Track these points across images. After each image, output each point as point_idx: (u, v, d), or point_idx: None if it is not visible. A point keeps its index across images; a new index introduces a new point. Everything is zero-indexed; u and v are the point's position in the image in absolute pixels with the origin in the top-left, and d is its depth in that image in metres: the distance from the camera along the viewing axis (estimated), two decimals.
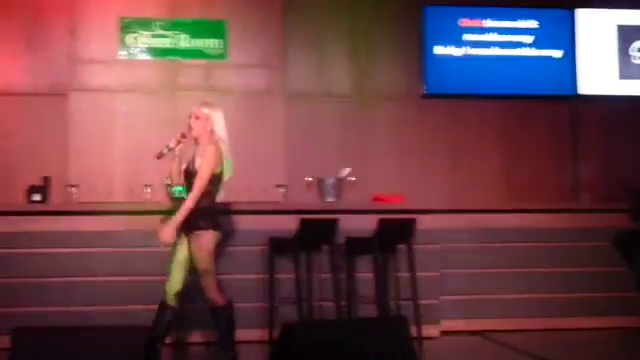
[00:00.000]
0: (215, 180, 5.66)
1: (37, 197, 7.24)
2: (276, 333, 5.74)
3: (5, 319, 6.29)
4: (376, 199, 7.50)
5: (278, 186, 7.70)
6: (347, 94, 9.50)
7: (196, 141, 5.79)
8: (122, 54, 8.92)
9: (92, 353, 4.46)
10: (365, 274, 6.77)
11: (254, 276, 6.80)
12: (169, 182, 6.84)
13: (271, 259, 6.67)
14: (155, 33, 9.01)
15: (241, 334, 5.95)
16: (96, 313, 6.59)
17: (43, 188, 7.38)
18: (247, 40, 9.21)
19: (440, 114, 9.58)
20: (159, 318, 5.71)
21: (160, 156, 5.76)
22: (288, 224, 6.59)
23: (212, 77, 9.07)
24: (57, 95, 8.65)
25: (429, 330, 6.83)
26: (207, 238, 5.61)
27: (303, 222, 6.47)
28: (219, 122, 5.79)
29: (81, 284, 6.73)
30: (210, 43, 9.08)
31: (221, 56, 9.12)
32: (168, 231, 5.57)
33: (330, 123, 9.41)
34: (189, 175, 5.70)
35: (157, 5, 9.07)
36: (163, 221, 5.76)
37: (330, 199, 7.20)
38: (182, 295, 5.75)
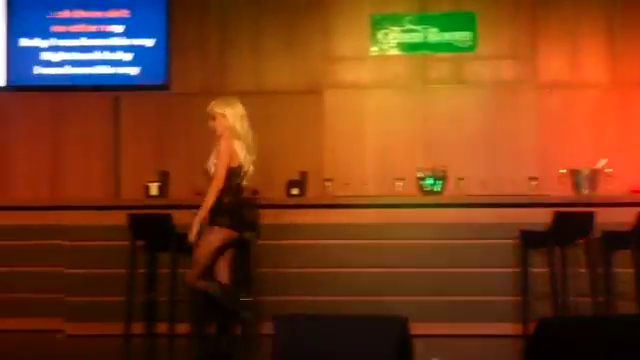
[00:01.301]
0: (234, 174, 5.76)
1: (295, 191, 7.56)
2: (530, 328, 5.66)
3: (269, 306, 6.66)
4: (635, 191, 7.19)
5: (530, 178, 7.57)
6: (602, 82, 9.14)
7: (218, 140, 5.91)
8: (374, 50, 9.12)
9: (349, 342, 4.60)
10: (624, 269, 6.50)
11: (505, 270, 6.74)
12: (422, 175, 6.96)
13: (524, 253, 6.58)
14: (405, 28, 9.13)
15: (494, 328, 5.92)
16: (349, 303, 6.80)
17: (301, 182, 7.69)
18: (497, 31, 9.11)
19: None
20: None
21: None
22: (540, 217, 6.47)
23: (462, 69, 9.06)
24: (313, 92, 8.98)
25: None
26: (215, 234, 5.77)
27: (558, 215, 6.32)
28: (236, 118, 5.88)
29: (335, 274, 6.98)
30: (460, 36, 9.07)
31: (471, 48, 9.08)
32: (191, 230, 5.76)
33: (584, 112, 9.10)
34: (207, 173, 5.85)
35: (408, 1, 9.18)
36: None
37: (585, 191, 6.98)
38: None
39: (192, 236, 5.82)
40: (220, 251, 5.96)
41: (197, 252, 5.87)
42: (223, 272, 6.02)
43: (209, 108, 5.98)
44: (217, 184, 5.78)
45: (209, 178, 5.86)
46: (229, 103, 5.99)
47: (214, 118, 5.94)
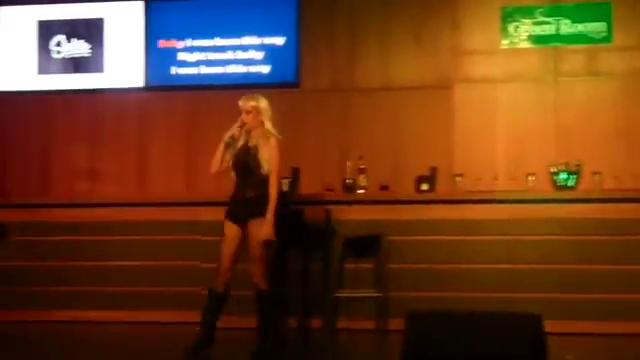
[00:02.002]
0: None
1: (425, 187, 7.56)
2: None
3: (398, 302, 6.71)
4: None
5: None
6: None
7: (248, 134, 5.92)
8: (504, 44, 9.00)
9: (481, 339, 4.58)
10: None
11: None
12: (555, 170, 6.85)
13: None
14: (536, 20, 8.97)
15: (629, 326, 5.79)
16: (479, 300, 6.77)
17: (431, 178, 7.68)
18: (632, 21, 8.82)
19: None
20: (208, 305, 5.91)
21: (227, 146, 5.93)
22: None
23: (595, 61, 8.82)
24: (443, 87, 8.94)
25: None
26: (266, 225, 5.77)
27: None
28: (267, 114, 5.94)
29: (465, 271, 6.96)
30: (593, 27, 8.84)
31: (606, 39, 8.83)
32: (268, 230, 5.78)
33: None
34: (247, 168, 5.86)
35: None
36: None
37: None
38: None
39: (273, 235, 5.89)
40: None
41: (259, 250, 5.92)
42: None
43: (242, 102, 6.02)
44: (279, 181, 6.00)
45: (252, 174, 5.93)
46: (260, 99, 6.08)
47: (249, 112, 5.99)
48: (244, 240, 5.93)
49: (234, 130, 5.99)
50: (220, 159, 6.01)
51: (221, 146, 6.00)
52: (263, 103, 6.04)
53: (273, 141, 5.96)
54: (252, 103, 6.00)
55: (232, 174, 6.03)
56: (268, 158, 5.92)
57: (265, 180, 5.93)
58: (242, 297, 6.11)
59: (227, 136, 5.99)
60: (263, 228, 5.84)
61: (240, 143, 6.00)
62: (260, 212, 5.86)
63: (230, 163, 6.00)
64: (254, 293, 5.98)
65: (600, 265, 6.69)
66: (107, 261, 7.76)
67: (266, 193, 5.90)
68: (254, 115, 5.99)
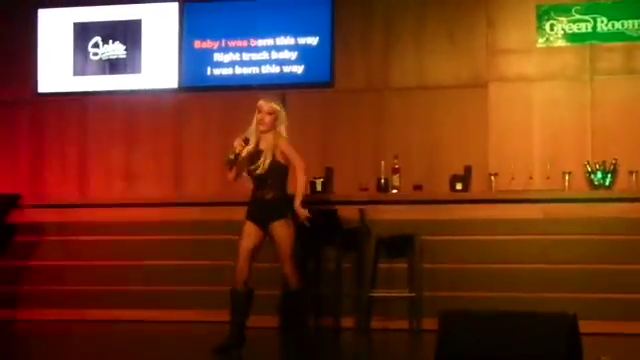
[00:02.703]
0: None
1: (459, 186, 7.54)
2: None
3: (431, 302, 6.69)
4: None
5: None
6: None
7: (260, 137, 5.97)
8: (540, 42, 8.93)
9: (516, 338, 4.57)
10: None
11: None
12: (591, 169, 6.77)
13: None
14: (572, 18, 8.89)
15: None
16: (514, 299, 6.73)
17: (465, 177, 7.66)
18: None
19: None
20: (233, 305, 5.94)
21: (231, 164, 5.97)
22: None
23: (632, 59, 8.70)
24: (478, 86, 8.88)
25: None
26: (289, 226, 5.85)
27: None
28: (284, 118, 6.01)
29: (500, 270, 6.94)
30: (630, 24, 8.74)
31: None
32: (302, 212, 5.88)
33: None
34: (255, 169, 5.92)
35: None
36: None
37: None
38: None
39: (307, 212, 5.96)
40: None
41: (289, 249, 5.97)
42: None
43: (264, 103, 6.06)
44: (307, 173, 6.15)
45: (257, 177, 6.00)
46: (279, 103, 6.14)
47: (270, 113, 6.03)
48: (263, 241, 6.03)
49: (237, 147, 6.01)
50: (234, 174, 6.10)
51: (230, 169, 6.07)
52: (281, 107, 6.12)
53: (284, 141, 6.04)
54: (275, 106, 6.07)
55: (247, 177, 6.11)
56: (288, 156, 6.02)
57: (282, 181, 6.04)
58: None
59: (231, 154, 6.02)
60: (301, 211, 5.92)
61: (251, 146, 6.03)
62: (281, 213, 5.95)
63: (245, 169, 6.08)
64: (285, 292, 6.07)
65: (635, 265, 6.63)
66: (143, 260, 7.84)
67: (285, 194, 6.03)
68: (274, 117, 6.06)
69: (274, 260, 6.11)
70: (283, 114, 6.11)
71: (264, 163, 5.97)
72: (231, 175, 6.10)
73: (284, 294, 6.16)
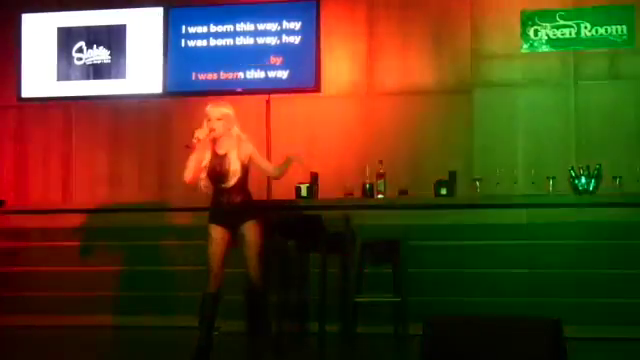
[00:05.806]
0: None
1: (444, 191, 7.55)
2: None
3: (416, 307, 6.69)
4: None
5: None
6: None
7: (214, 141, 5.95)
8: (524, 47, 8.95)
9: (500, 343, 4.57)
10: None
11: None
12: (575, 174, 6.79)
13: None
14: (556, 24, 8.92)
15: None
16: (498, 304, 6.75)
17: (450, 182, 7.67)
18: None
19: None
20: (204, 309, 5.98)
21: (191, 146, 5.92)
22: None
23: (616, 65, 8.74)
24: (462, 92, 8.90)
25: None
26: (259, 226, 5.96)
27: None
28: (235, 121, 6.03)
29: (484, 275, 6.95)
30: (614, 30, 8.78)
31: (627, 43, 8.76)
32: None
33: None
34: (226, 176, 5.93)
35: None
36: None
37: None
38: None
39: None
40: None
41: (257, 250, 6.03)
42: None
43: (212, 109, 6.03)
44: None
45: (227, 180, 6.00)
46: (229, 106, 6.14)
47: (220, 119, 6.00)
48: (232, 244, 6.06)
49: (202, 134, 5.97)
50: (194, 167, 6.02)
51: (192, 156, 6.00)
52: (232, 110, 6.11)
53: (254, 150, 6.11)
54: (224, 110, 6.04)
55: (205, 184, 6.08)
56: (259, 165, 6.16)
57: (246, 182, 6.10)
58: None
59: (196, 138, 5.94)
60: (292, 157, 6.20)
61: (207, 154, 6.01)
62: (252, 214, 6.03)
63: (204, 175, 6.04)
64: (248, 293, 6.13)
65: (619, 269, 6.65)
66: (127, 266, 7.80)
67: (250, 195, 6.13)
68: (224, 122, 6.02)
69: (237, 265, 6.11)
70: (233, 116, 6.09)
71: (234, 169, 5.98)
72: (189, 173, 6.04)
73: (249, 297, 6.17)
